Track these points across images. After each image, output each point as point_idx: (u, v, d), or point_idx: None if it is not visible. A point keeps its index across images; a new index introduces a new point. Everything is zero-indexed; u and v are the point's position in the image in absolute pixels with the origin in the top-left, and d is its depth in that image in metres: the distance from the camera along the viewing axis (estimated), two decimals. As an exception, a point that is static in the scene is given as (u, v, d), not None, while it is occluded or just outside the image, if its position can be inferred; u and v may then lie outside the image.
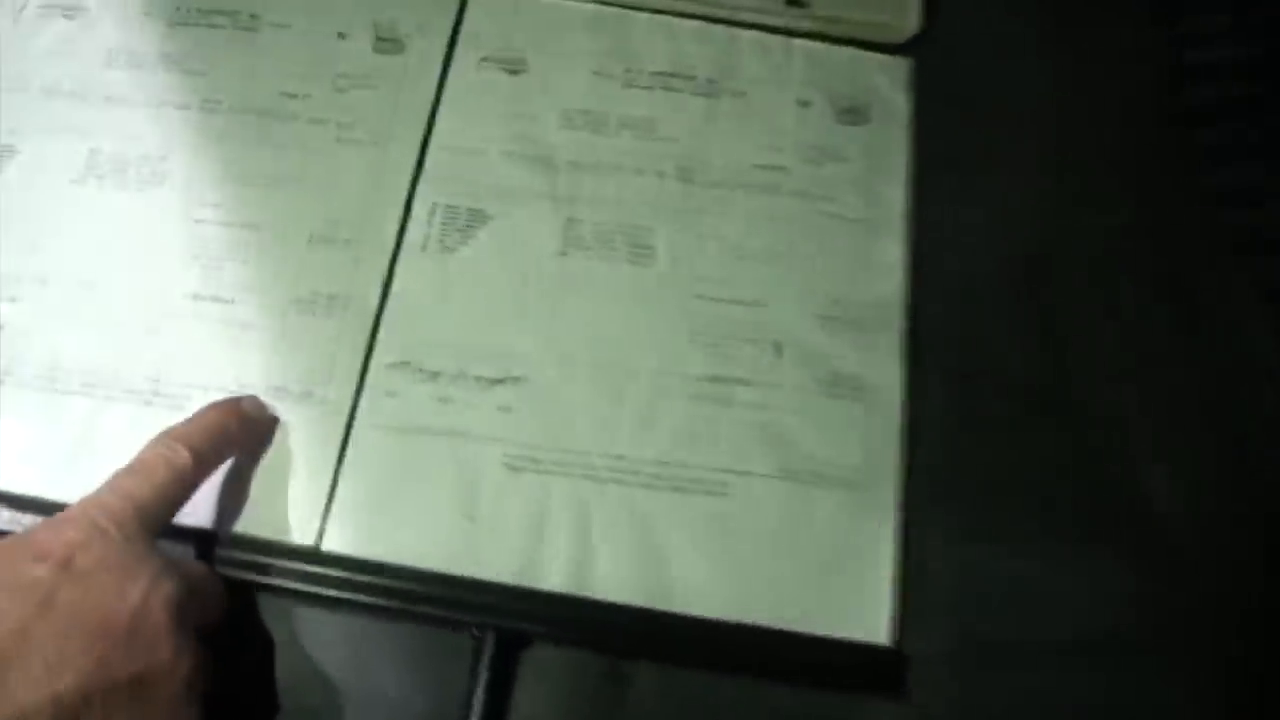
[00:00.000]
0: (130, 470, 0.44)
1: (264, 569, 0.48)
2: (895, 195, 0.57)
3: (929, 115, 0.58)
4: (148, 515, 0.42)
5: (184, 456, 0.46)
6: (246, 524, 0.49)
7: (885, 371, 0.53)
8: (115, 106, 0.57)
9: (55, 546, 0.38)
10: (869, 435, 0.52)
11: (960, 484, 0.52)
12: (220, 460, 0.49)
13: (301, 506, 0.50)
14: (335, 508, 0.49)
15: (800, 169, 0.58)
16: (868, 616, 0.48)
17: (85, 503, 0.41)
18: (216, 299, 0.54)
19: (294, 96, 0.56)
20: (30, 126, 0.56)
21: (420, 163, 0.55)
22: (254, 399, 0.52)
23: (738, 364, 0.54)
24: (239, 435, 0.50)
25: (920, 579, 0.49)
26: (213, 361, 0.53)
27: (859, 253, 0.56)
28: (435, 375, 0.53)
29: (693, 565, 0.49)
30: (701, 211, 0.58)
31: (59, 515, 0.40)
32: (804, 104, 0.58)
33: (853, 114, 0.59)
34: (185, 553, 0.48)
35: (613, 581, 0.48)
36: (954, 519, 0.51)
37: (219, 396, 0.50)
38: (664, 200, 0.58)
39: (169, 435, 0.47)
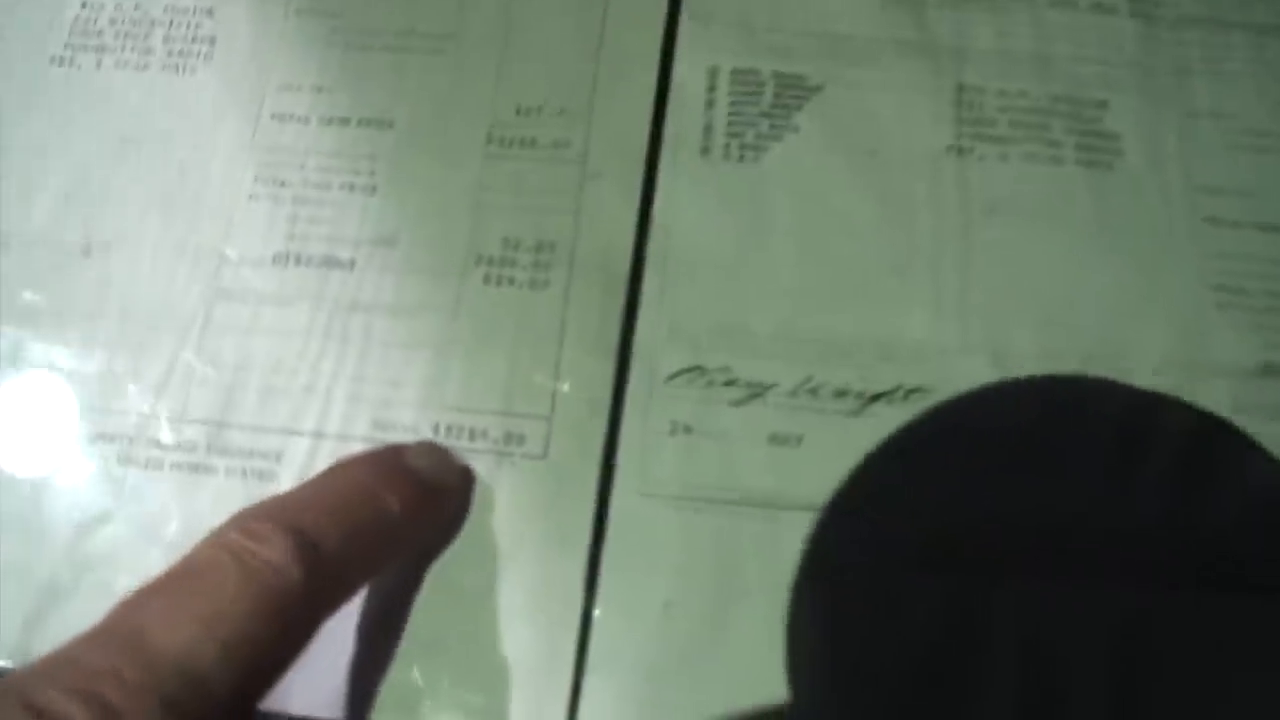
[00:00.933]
0: (162, 587, 0.20)
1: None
2: None
3: None
4: (194, 686, 0.19)
5: (283, 554, 0.21)
6: (419, 711, 0.25)
7: None
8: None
9: None
10: None
11: None
12: (370, 566, 0.24)
13: (521, 672, 0.25)
14: (594, 671, 0.26)
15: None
16: None
17: (41, 666, 0.19)
18: (321, 261, 0.26)
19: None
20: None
21: (678, -6, 0.29)
22: (428, 447, 0.26)
23: (1303, 342, 0.28)
24: (403, 517, 0.23)
25: None
26: (324, 383, 0.24)
27: None
28: (760, 391, 0.26)
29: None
30: (1180, 70, 0.32)
31: None
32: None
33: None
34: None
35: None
36: None
37: (344, 448, 0.26)
38: (1115, 51, 0.33)
39: (253, 514, 0.22)
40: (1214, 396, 0.28)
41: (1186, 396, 0.28)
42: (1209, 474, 0.27)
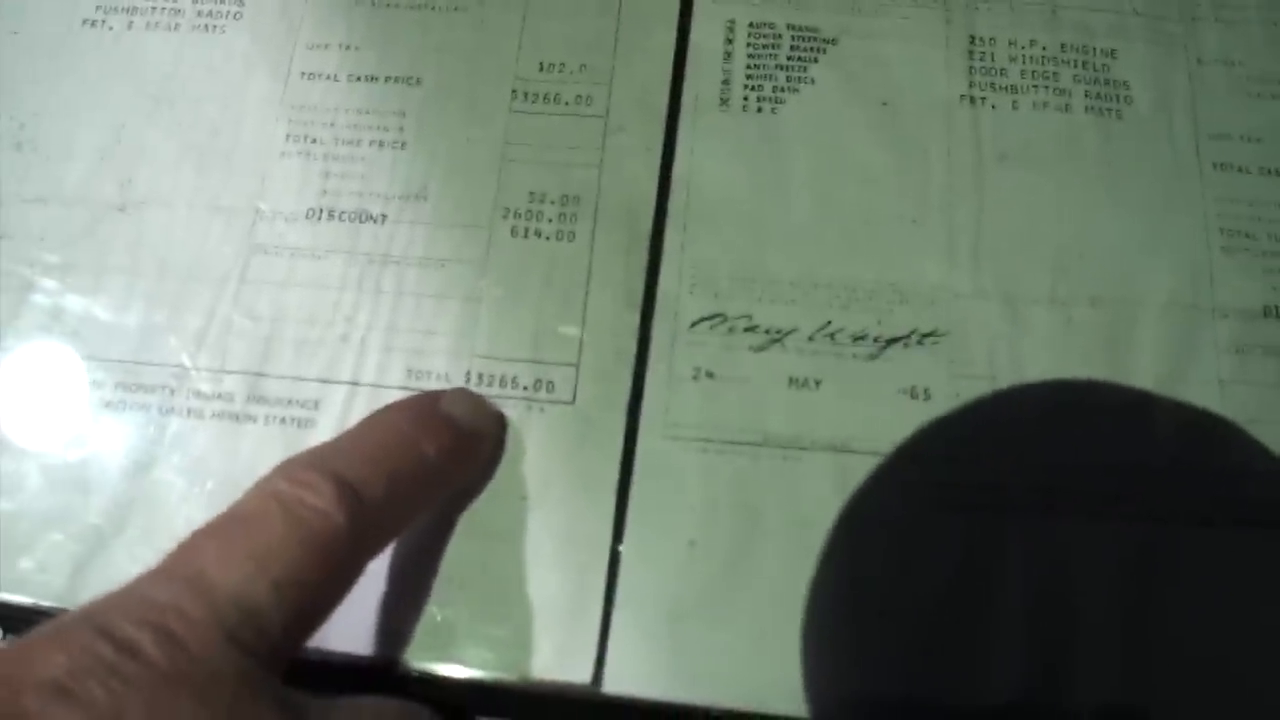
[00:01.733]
0: (216, 531, 0.22)
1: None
2: None
3: None
4: (251, 621, 0.20)
5: (328, 501, 0.22)
6: (452, 647, 0.26)
7: None
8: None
9: (16, 684, 0.18)
10: None
11: None
12: (410, 510, 0.25)
13: (557, 608, 0.26)
14: (621, 608, 0.26)
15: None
16: None
17: (111, 600, 0.20)
18: (354, 215, 0.27)
19: None
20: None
21: (694, -50, 0.29)
22: (462, 394, 0.27)
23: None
24: (439, 462, 0.24)
25: None
26: (359, 334, 0.25)
27: None
28: (780, 336, 0.27)
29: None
30: (1190, 18, 0.33)
31: (49, 624, 0.19)
32: None
33: None
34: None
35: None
36: None
37: (379, 396, 0.28)
38: (1128, 3, 0.32)
39: (298, 463, 0.23)
40: (1217, 336, 0.29)
41: (1191, 337, 0.29)
42: (1214, 434, 0.28)
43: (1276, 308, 0.29)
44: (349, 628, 0.26)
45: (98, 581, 0.27)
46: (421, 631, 0.26)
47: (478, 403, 0.27)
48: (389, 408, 0.26)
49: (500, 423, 0.27)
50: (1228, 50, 0.32)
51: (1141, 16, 0.32)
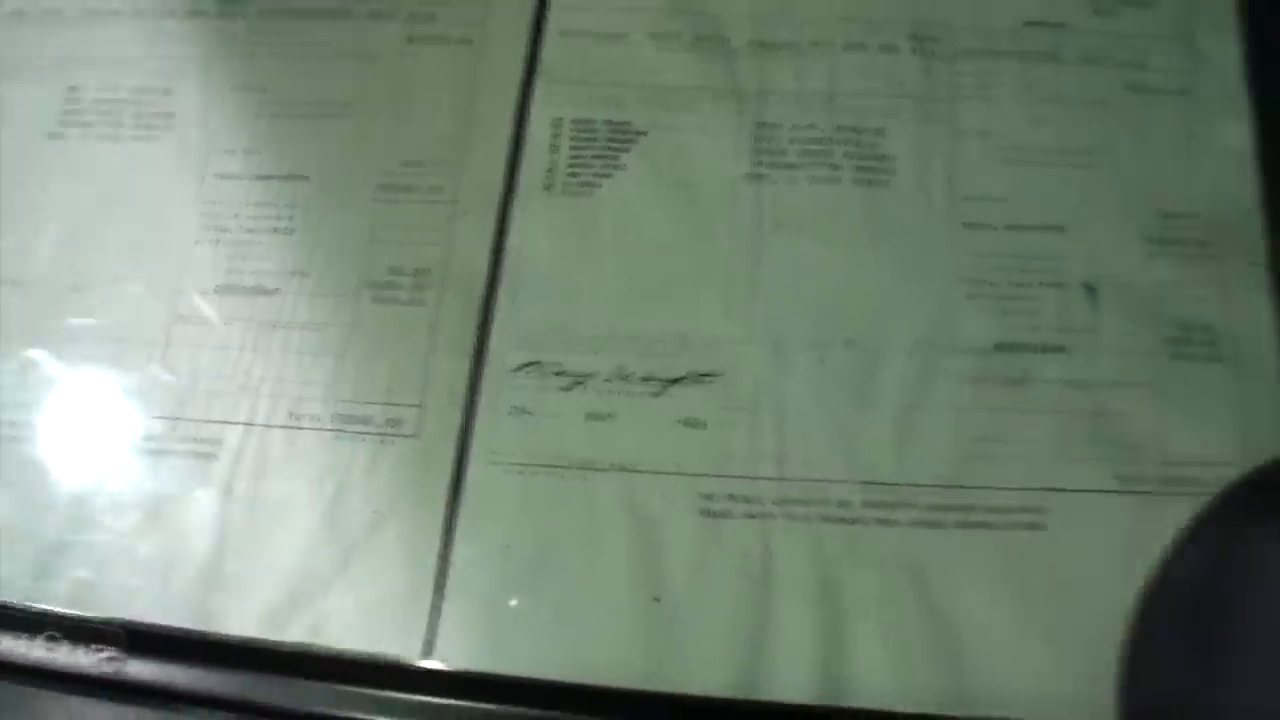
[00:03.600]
0: None
1: (332, 699, 0.32)
2: (1229, 53, 0.39)
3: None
4: None
5: None
6: (291, 625, 0.33)
7: (1251, 316, 0.35)
8: (101, 24, 0.43)
9: None
10: (1244, 416, 0.34)
11: None
12: None
13: (394, 598, 0.33)
14: (449, 598, 0.34)
15: (1086, 23, 0.40)
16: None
17: None
18: (252, 290, 0.35)
19: (345, -16, 0.39)
20: (-11, 62, 0.41)
21: (532, 58, 0.40)
22: None
23: (1036, 322, 0.36)
24: None
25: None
26: (253, 384, 0.33)
27: (1188, 141, 0.38)
28: (582, 379, 0.34)
29: (1002, 643, 0.32)
30: (953, 97, 0.39)
31: None
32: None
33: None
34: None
35: (881, 682, 0.32)
36: None
37: (269, 433, 0.36)
38: (897, 85, 0.40)
39: None
40: (956, 369, 0.35)
41: (932, 371, 0.35)
42: None
43: (1009, 343, 0.36)
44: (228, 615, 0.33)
45: (58, 581, 0.35)
46: (300, 616, 0.34)
47: None
48: None
49: None
50: (985, 123, 0.39)
51: (911, 99, 0.39)
